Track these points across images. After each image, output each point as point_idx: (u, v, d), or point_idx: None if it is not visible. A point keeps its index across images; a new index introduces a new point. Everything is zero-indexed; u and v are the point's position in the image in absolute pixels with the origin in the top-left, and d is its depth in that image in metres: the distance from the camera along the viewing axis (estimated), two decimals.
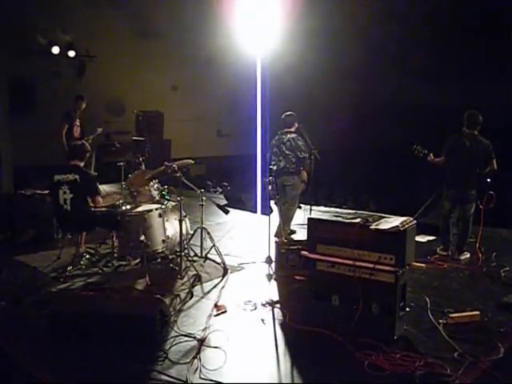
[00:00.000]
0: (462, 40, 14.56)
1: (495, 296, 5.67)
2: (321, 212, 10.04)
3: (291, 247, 6.36)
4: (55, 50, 13.34)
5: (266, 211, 7.45)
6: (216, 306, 5.31)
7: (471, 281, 6.30)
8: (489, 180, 6.83)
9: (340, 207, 11.53)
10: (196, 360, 4.17)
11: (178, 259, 6.33)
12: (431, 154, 7.25)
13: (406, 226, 4.54)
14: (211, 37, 13.00)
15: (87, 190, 6.39)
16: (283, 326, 4.93)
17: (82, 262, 6.53)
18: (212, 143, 17.82)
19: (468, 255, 7.07)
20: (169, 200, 6.83)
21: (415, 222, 4.77)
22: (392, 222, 4.64)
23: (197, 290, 5.87)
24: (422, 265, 6.63)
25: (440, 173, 7.34)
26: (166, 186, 6.97)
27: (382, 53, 15.61)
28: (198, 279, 6.15)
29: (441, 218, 7.34)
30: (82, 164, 6.55)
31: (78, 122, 10.07)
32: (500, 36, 13.63)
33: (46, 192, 7.34)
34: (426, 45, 15.45)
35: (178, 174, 6.39)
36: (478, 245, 6.93)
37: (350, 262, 4.62)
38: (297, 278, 6.10)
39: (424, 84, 15.39)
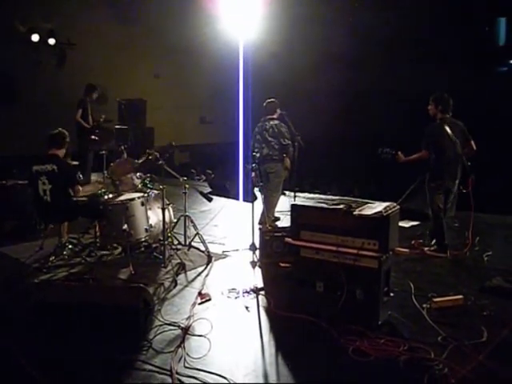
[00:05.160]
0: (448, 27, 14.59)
1: (478, 280, 5.71)
2: (305, 199, 10.05)
3: (275, 234, 6.36)
4: (35, 37, 13.15)
5: (249, 198, 7.43)
6: (200, 294, 5.30)
7: (454, 265, 6.35)
8: (469, 163, 6.50)
9: (324, 194, 11.55)
10: (180, 349, 4.15)
11: (162, 248, 6.31)
12: (399, 153, 6.75)
13: (390, 211, 4.55)
14: (194, 24, 12.91)
15: (66, 180, 6.30)
16: (268, 313, 4.93)
17: (64, 253, 6.49)
18: (195, 131, 17.77)
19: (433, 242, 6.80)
20: (151, 188, 6.78)
21: (398, 207, 4.78)
22: (375, 207, 4.64)
23: (181, 278, 5.85)
24: (406, 250, 6.66)
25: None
26: (148, 175, 6.92)
27: (368, 39, 15.55)
28: (181, 267, 6.14)
29: (432, 215, 6.76)
30: (60, 152, 6.41)
31: (89, 111, 10.32)
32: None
33: (27, 182, 7.24)
34: (414, 31, 15.40)
35: (160, 162, 6.35)
36: (470, 232, 6.66)
37: (334, 248, 4.62)
38: (281, 264, 6.11)
39: (411, 71, 15.37)
